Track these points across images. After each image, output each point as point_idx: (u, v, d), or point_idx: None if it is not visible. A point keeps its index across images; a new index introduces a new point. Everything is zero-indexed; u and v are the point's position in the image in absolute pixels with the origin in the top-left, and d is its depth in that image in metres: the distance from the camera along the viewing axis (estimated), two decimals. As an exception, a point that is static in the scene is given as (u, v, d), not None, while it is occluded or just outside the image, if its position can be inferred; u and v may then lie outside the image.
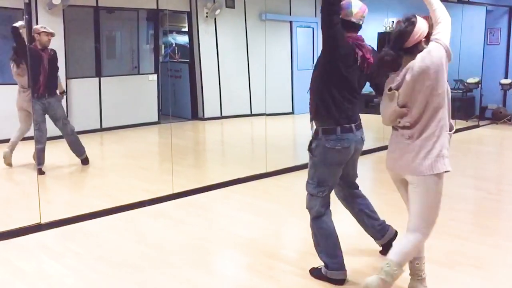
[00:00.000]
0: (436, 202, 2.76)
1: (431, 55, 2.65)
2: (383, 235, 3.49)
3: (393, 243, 3.20)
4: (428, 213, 2.77)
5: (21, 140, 6.02)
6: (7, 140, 5.99)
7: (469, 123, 9.75)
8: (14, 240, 3.93)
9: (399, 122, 2.76)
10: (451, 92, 2.83)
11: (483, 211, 4.81)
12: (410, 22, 2.71)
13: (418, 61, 2.66)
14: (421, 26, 2.71)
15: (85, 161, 6.30)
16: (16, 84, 5.93)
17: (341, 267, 3.16)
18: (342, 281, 3.15)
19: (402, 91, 2.71)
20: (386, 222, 3.52)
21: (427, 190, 2.73)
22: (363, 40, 3.08)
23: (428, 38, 2.74)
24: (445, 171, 2.72)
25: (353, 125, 3.09)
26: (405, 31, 2.70)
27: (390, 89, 2.75)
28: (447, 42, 2.69)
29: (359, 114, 3.19)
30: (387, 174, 2.94)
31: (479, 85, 10.03)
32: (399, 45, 2.71)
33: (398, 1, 9.27)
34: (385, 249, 3.38)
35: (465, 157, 7.14)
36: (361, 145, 3.20)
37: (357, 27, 3.07)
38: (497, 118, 10.06)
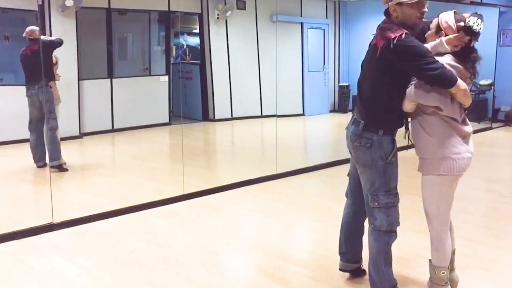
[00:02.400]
0: None
1: None
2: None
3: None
4: None
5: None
6: (19, 140, 6.05)
7: (482, 125, 9.65)
8: (26, 239, 3.97)
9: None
10: None
11: (495, 213, 4.78)
12: None
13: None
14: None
15: (61, 168, 5.85)
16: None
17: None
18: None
19: None
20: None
21: None
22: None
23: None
24: None
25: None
26: None
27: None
28: None
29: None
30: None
31: (492, 87, 9.94)
32: None
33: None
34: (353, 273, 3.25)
35: (478, 159, 7.03)
36: (348, 142, 2.92)
37: None
38: (510, 120, 9.97)
